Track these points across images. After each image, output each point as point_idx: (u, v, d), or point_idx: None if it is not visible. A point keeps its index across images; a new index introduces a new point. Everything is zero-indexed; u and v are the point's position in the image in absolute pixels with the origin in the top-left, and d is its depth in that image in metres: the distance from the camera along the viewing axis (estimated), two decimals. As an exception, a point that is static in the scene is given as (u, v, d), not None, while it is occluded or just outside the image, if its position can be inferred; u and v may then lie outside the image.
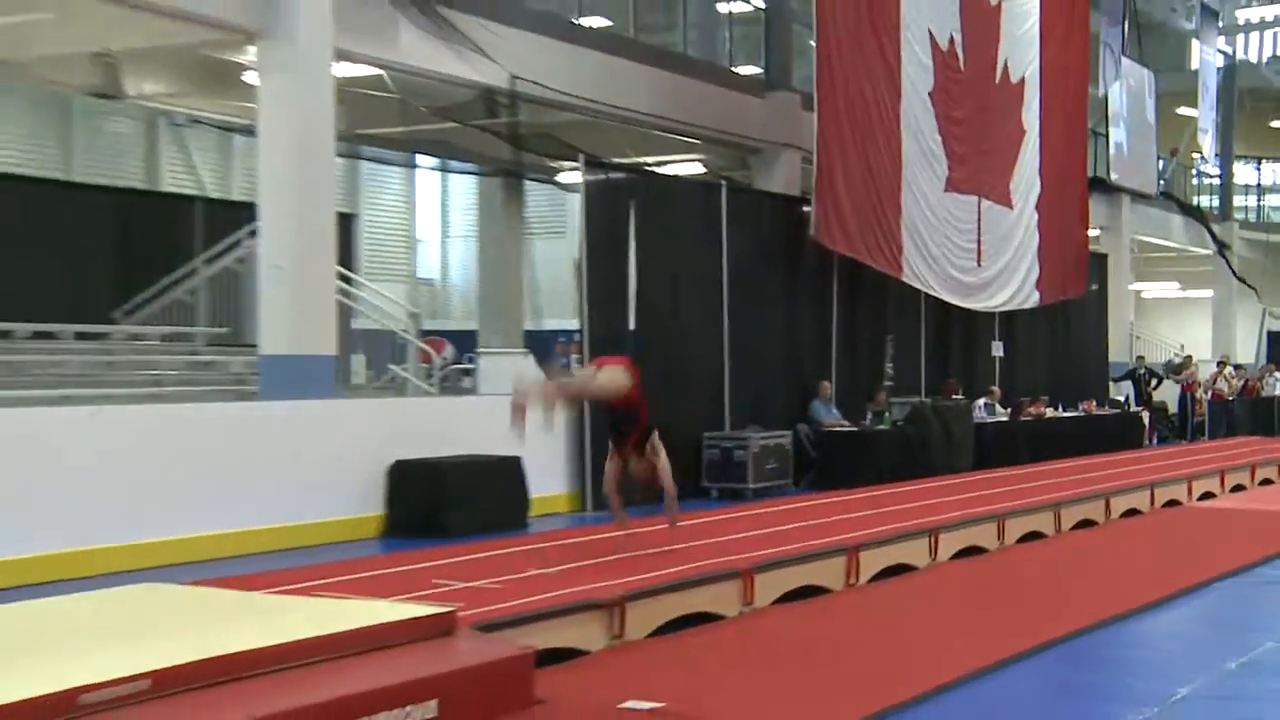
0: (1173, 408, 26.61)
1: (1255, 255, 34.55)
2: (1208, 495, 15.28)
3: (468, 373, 14.84)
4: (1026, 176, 20.45)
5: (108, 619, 6.09)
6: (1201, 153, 31.29)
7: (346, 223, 17.66)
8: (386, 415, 12.22)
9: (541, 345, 18.11)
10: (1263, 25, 35.55)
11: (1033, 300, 20.79)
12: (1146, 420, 23.62)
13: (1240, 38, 35.40)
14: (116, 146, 21.58)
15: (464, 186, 27.51)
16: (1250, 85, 34.42)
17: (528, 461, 11.95)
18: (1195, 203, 32.67)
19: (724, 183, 16.27)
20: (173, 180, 22.07)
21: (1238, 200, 34.91)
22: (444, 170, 25.28)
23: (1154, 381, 25.52)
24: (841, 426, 16.20)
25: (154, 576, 7.91)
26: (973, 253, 18.95)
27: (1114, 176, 26.43)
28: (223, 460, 10.22)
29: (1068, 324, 23.13)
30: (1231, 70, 33.08)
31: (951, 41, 18.28)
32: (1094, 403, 22.34)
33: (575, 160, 14.39)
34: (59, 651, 5.26)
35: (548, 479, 12.74)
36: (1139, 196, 27.72)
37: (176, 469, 9.89)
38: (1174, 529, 12.86)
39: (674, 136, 17.30)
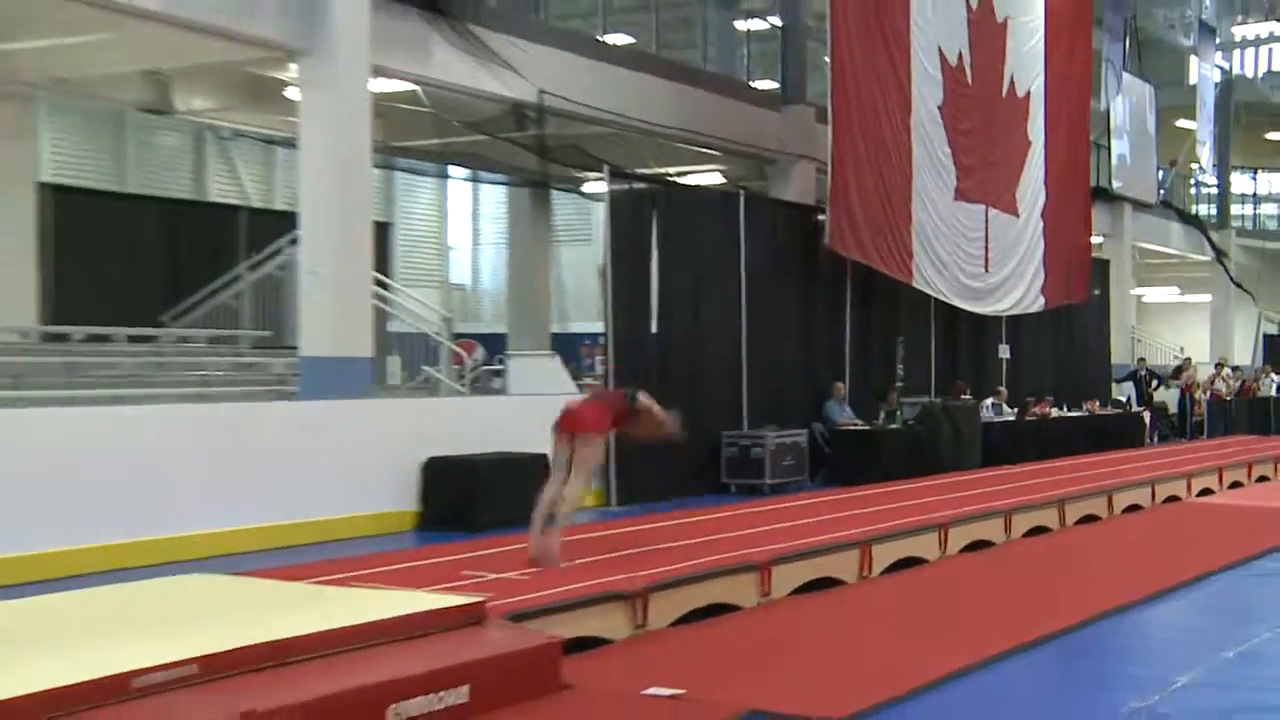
0: (1173, 408, 26.46)
1: (1251, 261, 34.42)
2: (1206, 491, 15.18)
3: (498, 373, 14.83)
4: (1032, 186, 20.37)
5: (159, 607, 6.13)
6: (1200, 164, 31.17)
7: (382, 231, 17.70)
8: (420, 414, 12.23)
9: (568, 347, 18.12)
10: (1258, 42, 35.37)
11: (1038, 305, 20.71)
12: (1147, 420, 23.48)
13: (1236, 54, 35.22)
14: (166, 159, 21.68)
15: (494, 196, 27.53)
16: (1246, 99, 34.29)
17: (555, 459, 11.92)
18: (1194, 211, 32.51)
19: (742, 192, 16.24)
20: (219, 191, 22.17)
21: (1234, 209, 34.75)
22: (475, 181, 25.33)
23: (1155, 382, 25.43)
24: (854, 425, 16.16)
25: (201, 567, 7.94)
26: (980, 259, 18.88)
27: (1116, 186, 26.32)
28: (265, 457, 10.26)
29: (1071, 327, 23.03)
30: (1228, 85, 32.93)
31: (960, 57, 18.22)
32: (1097, 403, 22.23)
33: (600, 171, 14.40)
34: (114, 637, 5.30)
35: (574, 475, 12.70)
36: (1140, 205, 27.59)
37: (221, 465, 9.92)
38: (1174, 524, 12.78)
39: (694, 148, 17.30)
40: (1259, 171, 36.52)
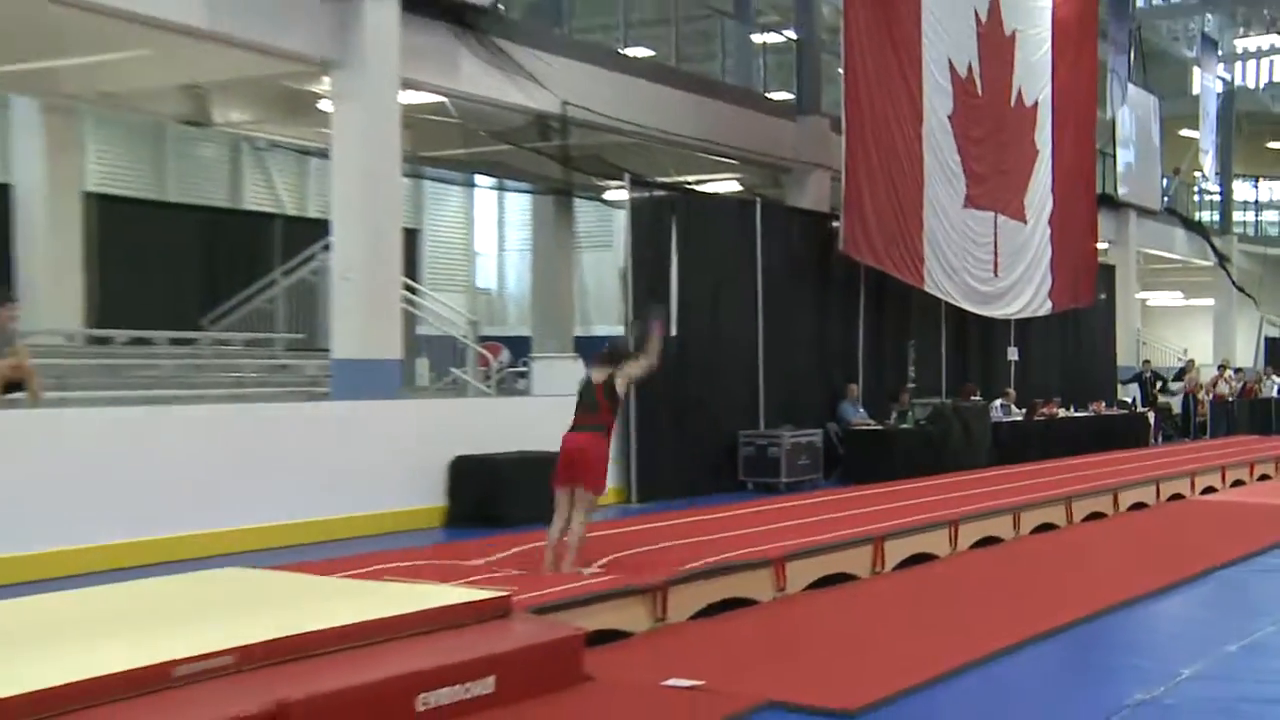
0: (1176, 408, 26.33)
1: (1253, 266, 34.26)
2: (1209, 490, 15.09)
3: (522, 375, 14.87)
4: (1039, 193, 20.29)
5: (197, 599, 6.14)
6: (1203, 171, 31.08)
7: (411, 237, 17.76)
8: (447, 414, 12.25)
9: (590, 349, 18.06)
10: (1259, 54, 35.25)
11: (1046, 308, 20.62)
12: (1152, 420, 23.35)
13: (1238, 65, 35.11)
14: (205, 169, 21.80)
15: (519, 204, 27.58)
16: (1248, 109, 34.21)
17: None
18: (1197, 218, 32.33)
19: (758, 200, 16.21)
20: (254, 199, 22.29)
21: (1237, 216, 34.65)
22: (500, 189, 25.39)
23: (1159, 384, 25.33)
24: (868, 425, 16.11)
25: (236, 561, 7.97)
26: (990, 264, 18.82)
27: (1121, 193, 26.19)
28: (298, 455, 10.29)
29: (1078, 330, 22.92)
30: (1230, 95, 32.82)
31: (969, 69, 18.17)
32: (1103, 404, 22.12)
33: (621, 179, 14.40)
34: (155, 628, 5.32)
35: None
36: (1144, 212, 27.44)
37: (256, 462, 9.95)
38: (1178, 521, 12.70)
39: (712, 157, 17.28)
40: (1260, 179, 36.42)
